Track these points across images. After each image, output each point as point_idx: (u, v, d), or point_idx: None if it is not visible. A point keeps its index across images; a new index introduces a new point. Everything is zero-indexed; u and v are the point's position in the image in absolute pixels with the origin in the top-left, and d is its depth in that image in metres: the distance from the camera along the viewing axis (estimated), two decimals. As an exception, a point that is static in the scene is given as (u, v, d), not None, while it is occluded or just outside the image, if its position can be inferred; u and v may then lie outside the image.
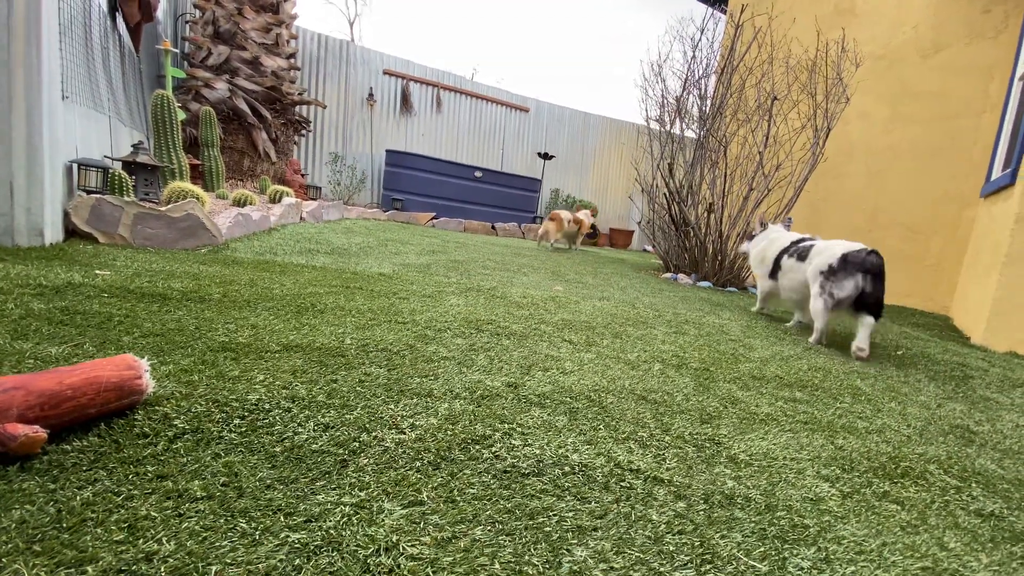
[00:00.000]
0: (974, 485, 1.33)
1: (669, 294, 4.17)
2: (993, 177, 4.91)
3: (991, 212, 4.64)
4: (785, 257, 3.38)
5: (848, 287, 2.76)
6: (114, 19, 4.18)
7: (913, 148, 6.02)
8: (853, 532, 1.02)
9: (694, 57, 5.45)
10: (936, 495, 1.24)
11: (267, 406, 1.15)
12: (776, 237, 3.64)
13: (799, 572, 0.87)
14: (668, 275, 5.61)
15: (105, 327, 1.51)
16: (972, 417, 1.92)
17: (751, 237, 4.01)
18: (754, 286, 5.51)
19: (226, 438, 1.01)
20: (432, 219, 8.64)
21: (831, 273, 2.83)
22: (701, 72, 5.59)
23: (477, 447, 1.11)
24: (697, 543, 0.91)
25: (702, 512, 1.00)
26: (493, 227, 9.08)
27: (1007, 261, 3.71)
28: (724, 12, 7.59)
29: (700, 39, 5.42)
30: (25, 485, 0.81)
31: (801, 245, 3.29)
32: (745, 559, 0.88)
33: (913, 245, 5.97)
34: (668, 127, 5.79)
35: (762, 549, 0.92)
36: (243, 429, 1.05)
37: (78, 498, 0.80)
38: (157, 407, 1.06)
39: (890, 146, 6.23)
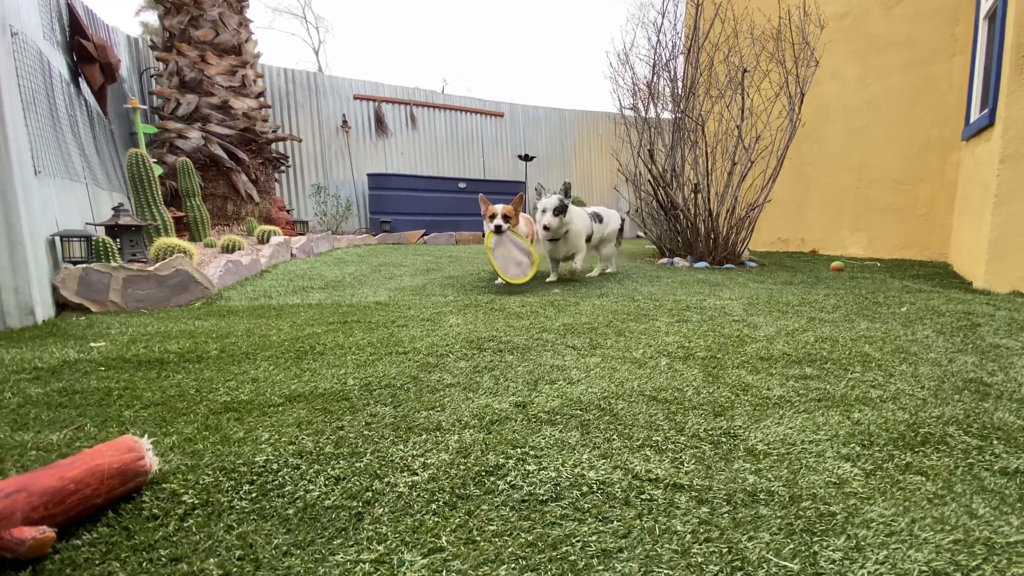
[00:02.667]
0: (995, 442, 1.32)
1: (667, 280, 4.16)
2: (972, 119, 4.91)
3: (975, 154, 4.64)
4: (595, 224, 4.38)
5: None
6: (77, 84, 4.18)
7: (889, 100, 6.02)
8: (881, 513, 1.00)
9: (659, 41, 5.45)
10: (959, 459, 1.23)
11: (275, 466, 1.13)
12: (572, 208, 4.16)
13: (832, 566, 0.86)
14: (664, 260, 5.60)
15: (105, 403, 1.50)
16: (984, 368, 1.91)
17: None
18: (752, 260, 5.50)
19: (237, 507, 1.00)
20: (423, 236, 8.64)
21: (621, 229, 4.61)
22: (668, 55, 5.60)
23: (492, 479, 1.10)
24: (725, 550, 0.89)
25: (726, 515, 0.99)
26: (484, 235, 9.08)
27: (997, 202, 3.70)
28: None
29: (662, 23, 5.42)
30: (38, 590, 0.80)
31: (594, 212, 4.40)
32: (775, 560, 0.87)
33: (902, 197, 5.96)
34: (643, 113, 5.79)
35: (792, 546, 0.90)
36: (253, 495, 1.04)
37: (93, 596, 0.78)
38: (164, 484, 1.05)
39: (866, 101, 6.23)
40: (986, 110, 4.22)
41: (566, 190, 3.95)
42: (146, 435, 1.09)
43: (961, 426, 1.40)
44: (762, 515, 0.99)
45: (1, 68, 2.43)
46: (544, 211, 3.79)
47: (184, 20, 6.31)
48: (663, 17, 5.46)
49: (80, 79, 4.24)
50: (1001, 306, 3.05)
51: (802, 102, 5.10)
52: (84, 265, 2.86)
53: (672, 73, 5.54)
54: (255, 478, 1.09)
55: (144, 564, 0.85)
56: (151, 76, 6.80)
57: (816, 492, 1.07)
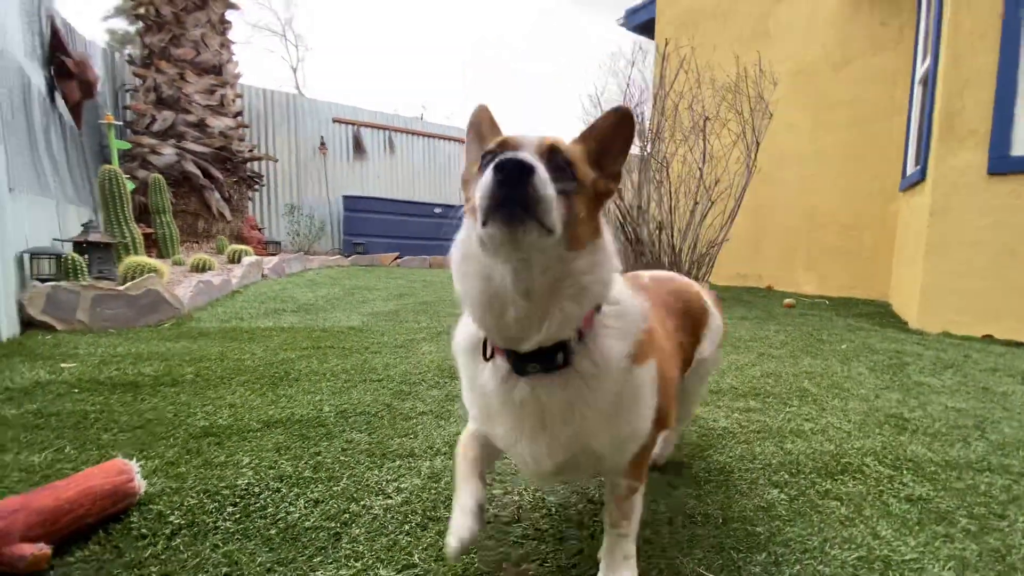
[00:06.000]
0: (905, 472, 1.50)
1: (631, 313, 4.35)
2: (908, 173, 5.38)
3: (910, 205, 5.08)
4: None
5: None
6: (53, 99, 4.17)
7: (837, 152, 6.52)
8: (799, 533, 1.15)
9: (628, 87, 5.80)
10: (871, 486, 1.40)
11: (257, 489, 1.21)
12: None
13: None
14: (630, 292, 5.83)
15: (82, 426, 1.53)
16: (906, 404, 2.12)
17: None
18: (711, 294, 5.78)
19: (222, 527, 1.07)
20: (396, 259, 8.70)
21: None
22: (637, 100, 5.95)
23: (460, 501, 1.20)
24: (663, 565, 1.02)
25: (667, 535, 1.12)
26: (457, 261, 9.19)
27: (927, 251, 4.07)
28: (652, 37, 8.12)
29: (632, 72, 5.79)
30: (34, 604, 0.85)
31: None
32: (706, 572, 1.00)
33: (849, 240, 6.41)
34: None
35: (720, 561, 1.04)
36: (237, 516, 1.11)
37: (89, 609, 0.85)
38: (151, 506, 1.11)
39: (817, 152, 6.73)
40: (919, 166, 4.66)
41: None
42: (134, 459, 1.16)
43: (878, 457, 1.59)
44: (698, 535, 1.13)
45: (-16, 87, 2.46)
46: None
47: (165, 38, 6.35)
48: (632, 66, 5.83)
49: (56, 93, 4.23)
50: (930, 346, 3.35)
51: (758, 149, 5.49)
52: (53, 283, 2.84)
53: (640, 117, 5.88)
54: (238, 500, 1.16)
55: (135, 580, 0.92)
56: (126, 91, 6.76)
57: (746, 515, 1.22)
